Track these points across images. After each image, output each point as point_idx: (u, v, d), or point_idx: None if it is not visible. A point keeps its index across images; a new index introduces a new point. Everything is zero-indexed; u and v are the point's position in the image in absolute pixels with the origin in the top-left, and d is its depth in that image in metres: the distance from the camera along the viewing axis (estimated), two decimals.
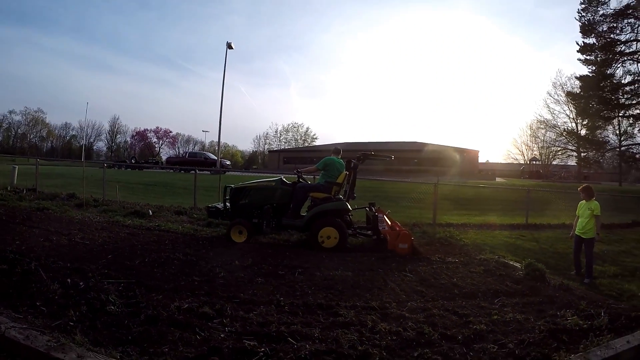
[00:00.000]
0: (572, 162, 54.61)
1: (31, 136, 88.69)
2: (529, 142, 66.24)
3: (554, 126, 53.01)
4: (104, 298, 4.09)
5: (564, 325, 4.01)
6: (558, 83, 51.97)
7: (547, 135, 55.71)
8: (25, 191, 14.96)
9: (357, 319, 3.98)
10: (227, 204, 9.22)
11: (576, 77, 24.10)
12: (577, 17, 19.79)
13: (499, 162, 72.72)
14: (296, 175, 9.46)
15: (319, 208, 8.60)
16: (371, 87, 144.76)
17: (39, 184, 16.34)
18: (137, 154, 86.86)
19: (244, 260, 6.27)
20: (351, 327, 3.82)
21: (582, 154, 37.27)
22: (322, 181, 9.10)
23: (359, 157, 9.32)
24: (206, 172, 34.55)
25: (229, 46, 42.67)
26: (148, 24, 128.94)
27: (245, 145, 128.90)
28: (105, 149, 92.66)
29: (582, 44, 19.86)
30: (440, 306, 4.54)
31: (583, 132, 42.85)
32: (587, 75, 20.65)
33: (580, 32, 19.74)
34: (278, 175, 9.93)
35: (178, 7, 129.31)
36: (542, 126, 56.17)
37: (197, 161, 39.91)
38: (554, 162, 61.06)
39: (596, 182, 45.18)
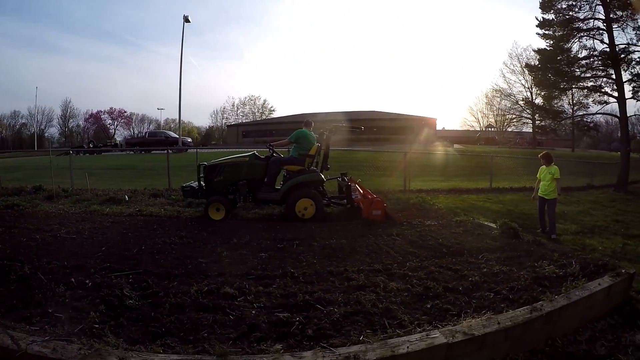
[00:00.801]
0: (527, 129, 57.06)
1: None
2: (484, 109, 68.79)
3: (510, 95, 55.38)
4: (118, 293, 3.97)
5: (543, 274, 4.48)
6: (514, 54, 54.80)
7: (503, 103, 58.62)
8: None
9: (368, 281, 4.28)
10: (202, 182, 9.31)
11: (534, 50, 25.31)
12: None
13: (455, 129, 74.61)
14: (269, 150, 9.62)
15: (294, 180, 8.82)
16: (327, 56, 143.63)
17: None
18: (92, 137, 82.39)
19: (241, 238, 6.34)
20: (366, 288, 4.10)
21: (539, 123, 39.09)
22: (295, 154, 9.29)
23: (331, 129, 9.60)
24: (169, 151, 34.08)
25: (186, 19, 41.45)
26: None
27: (201, 121, 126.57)
28: (57, 134, 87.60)
29: (542, 19, 20.75)
30: (435, 264, 4.93)
31: (538, 101, 45.00)
32: (544, 49, 21.66)
33: (540, 7, 20.62)
34: (248, 150, 10.01)
35: None
36: (497, 95, 58.98)
37: (157, 140, 38.94)
38: (509, 129, 63.54)
39: (550, 148, 47.38)
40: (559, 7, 20.07)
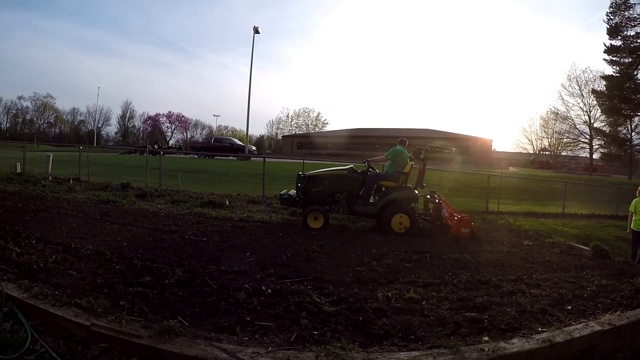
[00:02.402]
0: (584, 153, 56.07)
1: (40, 122, 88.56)
2: (538, 132, 67.64)
3: (567, 118, 54.39)
4: (310, 300, 4.21)
5: None
6: (572, 76, 53.26)
7: (560, 126, 57.04)
8: (71, 181, 14.64)
9: (514, 289, 5.07)
10: (299, 191, 9.65)
11: (602, 77, 25.78)
12: (605, 20, 21.33)
13: (507, 150, 73.75)
14: (365, 165, 10.02)
15: (391, 196, 9.26)
16: (378, 73, 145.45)
17: (59, 172, 16.31)
18: (150, 139, 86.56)
19: (378, 249, 6.88)
20: (517, 294, 4.91)
21: (605, 150, 38.98)
22: (390, 170, 9.73)
23: (427, 149, 9.97)
24: (232, 157, 35.26)
25: (256, 31, 42.43)
26: (150, 6, 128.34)
27: (253, 129, 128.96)
28: (113, 133, 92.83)
29: (609, 46, 21.38)
30: (555, 277, 5.84)
31: (596, 125, 44.74)
32: (612, 75, 22.24)
33: (607, 34, 21.31)
34: (345, 163, 10.61)
35: None
36: (554, 117, 57.52)
37: (223, 147, 39.70)
38: (563, 153, 62.49)
39: (606, 175, 46.81)
40: (627, 34, 20.61)
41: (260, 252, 6.23)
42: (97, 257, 5.31)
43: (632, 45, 19.87)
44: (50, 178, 15.05)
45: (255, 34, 42.77)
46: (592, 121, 49.37)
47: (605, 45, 21.59)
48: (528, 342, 3.49)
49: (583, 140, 53.11)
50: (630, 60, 20.19)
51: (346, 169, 9.89)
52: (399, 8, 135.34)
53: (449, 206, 9.87)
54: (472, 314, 4.19)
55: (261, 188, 14.27)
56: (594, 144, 50.55)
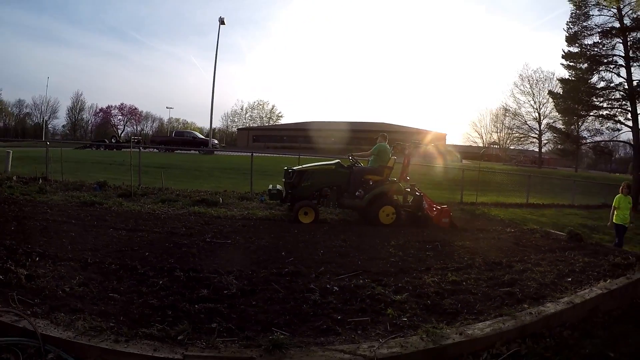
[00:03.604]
0: (533, 147, 59.50)
1: None
2: (488, 126, 71.24)
3: (517, 114, 58.47)
4: (380, 292, 4.51)
5: (615, 262, 6.36)
6: (524, 75, 58.10)
7: (511, 122, 61.29)
8: (40, 180, 13.47)
9: (524, 267, 5.93)
10: (287, 186, 9.86)
11: (559, 79, 28.32)
12: (565, 28, 23.40)
13: (457, 144, 76.19)
14: (350, 159, 10.43)
15: (379, 189, 9.67)
16: (331, 66, 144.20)
17: (18, 170, 15.23)
18: (96, 132, 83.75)
19: (397, 240, 7.47)
20: (527, 271, 5.73)
21: (560, 146, 41.82)
22: (375, 165, 10.10)
23: (409, 145, 10.70)
24: (194, 151, 34.60)
25: (222, 21, 41.94)
26: None
27: (203, 121, 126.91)
28: (61, 127, 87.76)
29: (567, 52, 23.45)
30: (547, 257, 6.76)
31: (545, 121, 48.32)
32: (568, 79, 24.49)
33: (565, 40, 23.38)
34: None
35: None
36: (506, 113, 61.96)
37: (185, 140, 39.01)
38: (511, 147, 66.07)
39: (553, 167, 49.98)
40: (584, 42, 22.49)
41: (293, 251, 6.35)
42: (129, 273, 4.85)
43: (588, 52, 21.84)
44: (15, 178, 13.78)
45: (221, 25, 42.38)
46: (541, 118, 54.10)
47: (563, 51, 23.70)
48: (557, 305, 4.38)
49: (533, 135, 57.32)
50: (586, 65, 22.21)
51: (333, 163, 10.21)
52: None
53: (427, 198, 10.44)
54: (506, 288, 4.93)
55: (241, 183, 14.90)
56: (542, 139, 54.80)
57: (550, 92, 33.47)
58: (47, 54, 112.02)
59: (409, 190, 10.58)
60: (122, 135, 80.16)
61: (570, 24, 23.49)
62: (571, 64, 23.66)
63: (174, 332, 3.25)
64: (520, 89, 58.70)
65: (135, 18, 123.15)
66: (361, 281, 4.87)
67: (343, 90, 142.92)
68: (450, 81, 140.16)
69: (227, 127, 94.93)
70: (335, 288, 4.60)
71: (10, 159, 16.33)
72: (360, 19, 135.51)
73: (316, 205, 9.61)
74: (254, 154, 16.44)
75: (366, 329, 3.63)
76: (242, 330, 3.50)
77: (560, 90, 26.85)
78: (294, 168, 9.98)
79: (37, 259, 5.12)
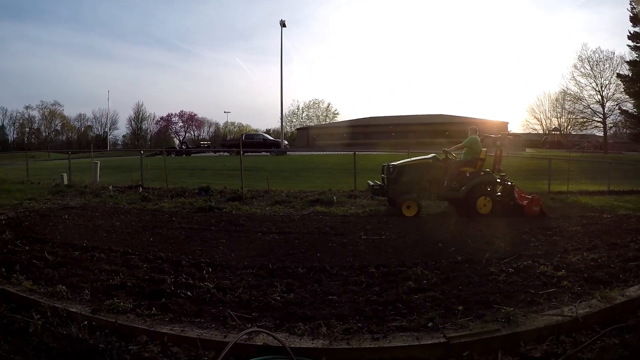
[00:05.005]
0: (598, 132, 57.78)
1: (48, 130, 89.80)
2: (547, 111, 69.82)
3: (580, 98, 55.62)
4: (554, 274, 4.97)
5: None
6: (584, 56, 53.57)
7: (574, 106, 58.40)
8: (141, 189, 14.27)
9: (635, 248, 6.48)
10: (385, 181, 10.35)
11: (626, 62, 27.70)
12: (629, 8, 23.13)
13: (516, 132, 73.96)
14: (444, 153, 10.88)
15: (475, 181, 10.08)
16: (384, 59, 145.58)
17: (104, 179, 16.33)
18: (154, 141, 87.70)
19: (521, 228, 8.26)
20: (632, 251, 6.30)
21: (627, 130, 40.51)
22: (468, 157, 10.56)
23: (500, 136, 11.07)
24: (265, 153, 35.65)
25: (282, 24, 43.26)
26: (142, 7, 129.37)
27: (261, 124, 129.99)
28: (121, 136, 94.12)
29: (633, 32, 23.23)
30: None
31: (609, 104, 46.57)
32: (636, 60, 24.22)
33: (630, 21, 23.07)
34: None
35: None
36: (568, 98, 59.06)
37: (256, 143, 39.87)
38: (573, 133, 64.01)
39: (618, 152, 48.58)
40: None
41: (448, 242, 7.00)
42: (323, 274, 5.23)
43: None
44: (111, 187, 14.74)
45: (283, 27, 43.55)
46: (604, 100, 51.00)
47: (629, 32, 23.48)
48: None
49: (597, 119, 54.81)
50: None
51: (430, 157, 10.74)
52: None
53: (517, 187, 10.77)
54: (634, 262, 5.57)
55: (334, 181, 15.78)
56: (607, 123, 52.54)
57: (619, 75, 32.63)
58: (99, 69, 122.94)
59: (499, 180, 10.75)
60: (183, 141, 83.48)
61: (633, 2, 23.14)
62: (638, 44, 23.39)
63: (423, 320, 3.65)
64: (581, 71, 54.82)
65: (180, 28, 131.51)
66: (525, 263, 5.50)
67: (394, 83, 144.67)
68: (502, 67, 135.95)
69: (290, 128, 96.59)
70: (510, 269, 5.20)
71: (98, 169, 17.30)
72: (409, 8, 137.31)
73: (418, 199, 10.06)
74: (356, 153, 16.91)
75: (557, 297, 4.28)
76: (468, 309, 3.93)
77: (629, 73, 26.37)
78: (393, 163, 10.47)
79: (210, 269, 5.39)
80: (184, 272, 5.22)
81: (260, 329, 3.32)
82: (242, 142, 40.75)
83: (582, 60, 54.44)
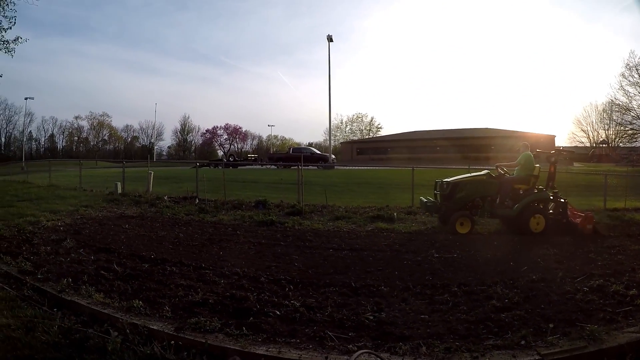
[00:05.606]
0: None
1: (96, 140, 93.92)
2: (594, 123, 66.84)
3: (629, 109, 53.16)
4: (627, 293, 5.12)
5: None
6: (632, 64, 52.02)
7: (621, 117, 55.85)
8: (197, 200, 14.14)
9: None
10: (440, 198, 10.22)
11: None
12: None
13: (563, 145, 72.28)
14: (497, 170, 10.70)
15: (529, 198, 9.90)
16: (425, 73, 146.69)
17: (156, 189, 16.55)
18: (198, 152, 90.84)
19: (581, 247, 8.37)
20: None
21: None
22: (521, 174, 10.36)
23: (555, 153, 10.84)
24: (313, 167, 35.61)
25: (330, 39, 44.05)
26: (187, 25, 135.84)
27: (304, 137, 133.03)
28: (167, 147, 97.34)
29: None
30: None
31: None
32: None
33: None
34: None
35: (214, 5, 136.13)
36: (617, 109, 56.18)
37: (304, 157, 38.34)
38: (621, 145, 60.93)
39: None
40: None
41: (518, 260, 7.19)
42: (411, 294, 5.37)
43: None
44: (166, 198, 14.76)
45: (330, 42, 44.43)
46: None
47: None
48: None
49: None
50: None
51: (484, 174, 10.67)
52: (430, 5, 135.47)
53: (569, 205, 10.57)
54: None
55: (387, 196, 15.84)
56: None
57: None
58: (145, 83, 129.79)
59: (552, 197, 10.56)
60: (227, 153, 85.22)
61: None
62: None
63: (516, 338, 3.89)
64: (629, 80, 52.76)
65: (223, 44, 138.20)
66: (598, 282, 5.65)
67: (436, 97, 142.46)
68: (548, 79, 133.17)
69: (333, 141, 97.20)
70: (585, 288, 5.39)
71: (152, 179, 17.52)
72: (451, 21, 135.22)
73: (472, 216, 10.03)
74: (414, 168, 16.85)
75: (633, 315, 4.48)
76: (555, 328, 4.15)
77: None
78: (447, 180, 10.39)
79: (291, 286, 5.52)
80: (265, 289, 5.30)
81: (370, 351, 3.26)
82: (290, 156, 42.31)
83: (630, 69, 52.52)
